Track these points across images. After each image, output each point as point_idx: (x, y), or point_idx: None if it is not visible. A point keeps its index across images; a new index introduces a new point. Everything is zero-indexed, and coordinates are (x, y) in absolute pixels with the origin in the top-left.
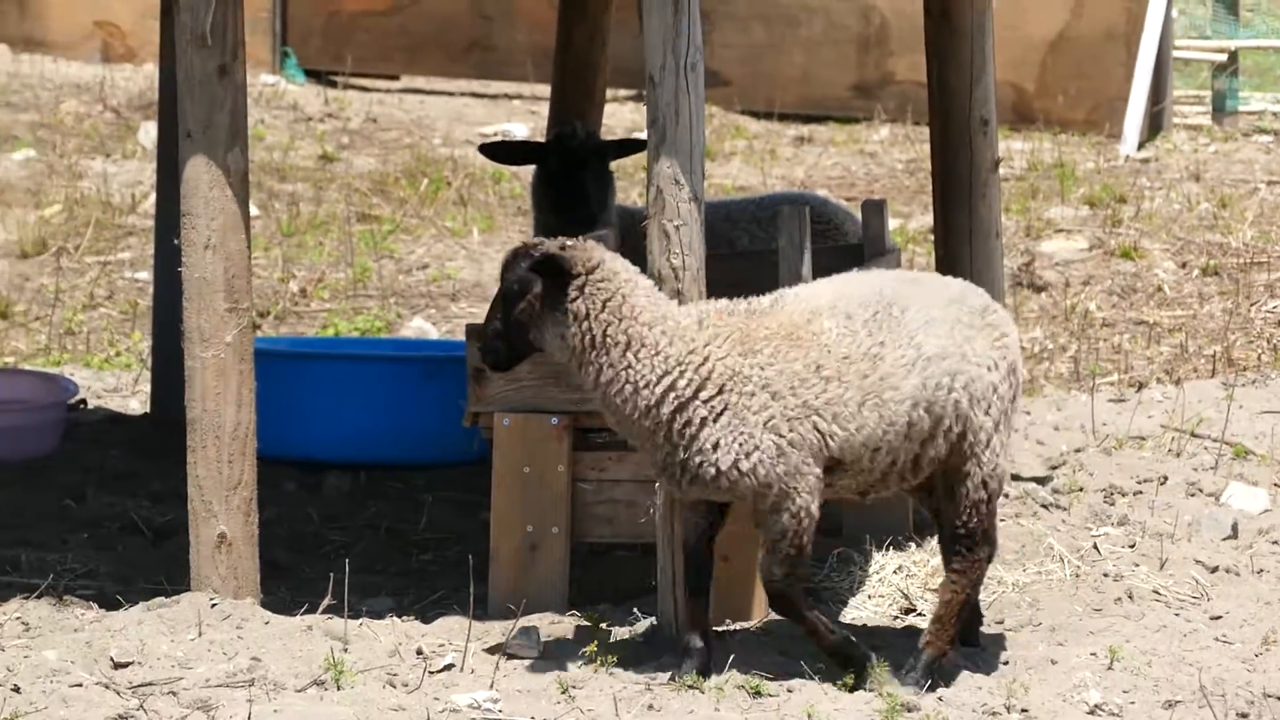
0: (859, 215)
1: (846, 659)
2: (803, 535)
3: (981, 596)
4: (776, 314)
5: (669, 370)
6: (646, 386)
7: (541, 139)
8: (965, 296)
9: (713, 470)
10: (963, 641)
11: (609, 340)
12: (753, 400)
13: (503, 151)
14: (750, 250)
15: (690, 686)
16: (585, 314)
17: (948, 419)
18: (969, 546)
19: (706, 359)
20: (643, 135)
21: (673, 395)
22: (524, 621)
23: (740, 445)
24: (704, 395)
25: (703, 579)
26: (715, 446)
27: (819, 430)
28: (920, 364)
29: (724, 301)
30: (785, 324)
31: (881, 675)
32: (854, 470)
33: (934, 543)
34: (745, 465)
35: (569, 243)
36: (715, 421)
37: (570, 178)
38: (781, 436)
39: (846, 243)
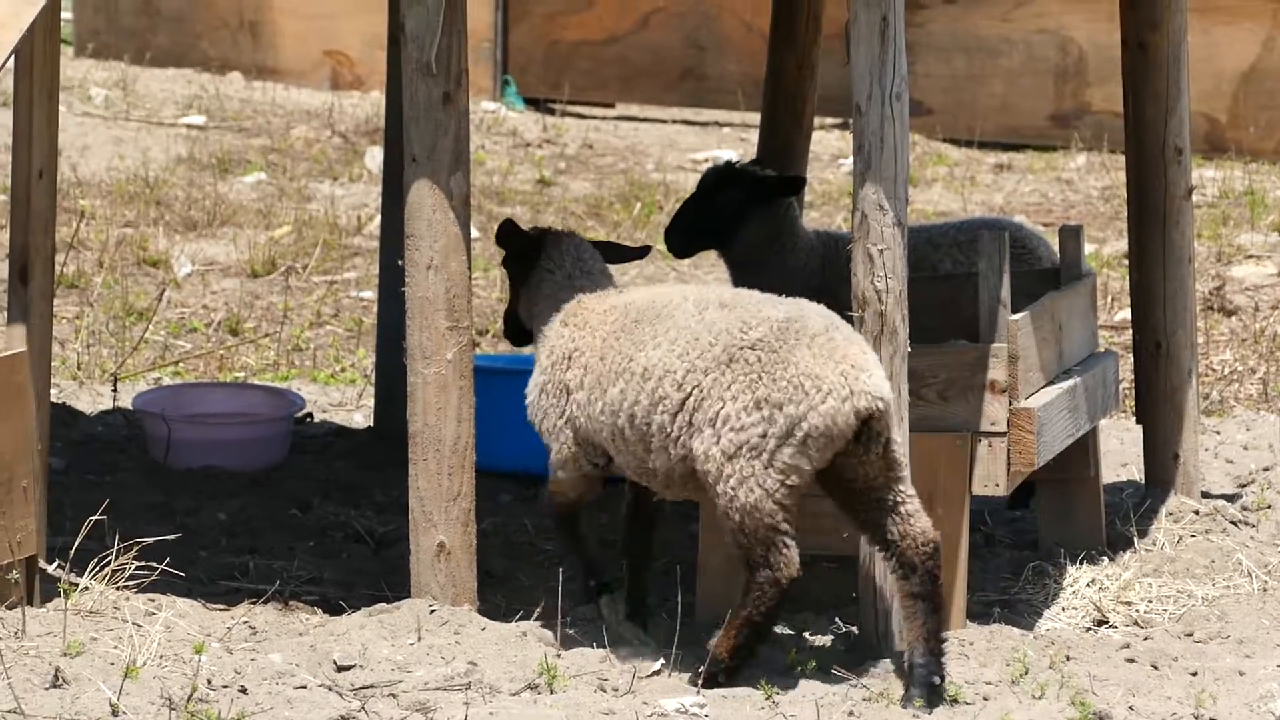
0: (1055, 240)
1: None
2: (561, 482)
3: (1169, 609)
4: (599, 300)
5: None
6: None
7: (753, 164)
8: (748, 327)
9: None
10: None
11: (528, 309)
12: (540, 362)
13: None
14: (952, 274)
15: (880, 694)
16: (526, 287)
17: (657, 437)
18: (749, 568)
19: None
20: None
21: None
22: None
23: (530, 397)
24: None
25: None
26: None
27: (572, 404)
28: (625, 376)
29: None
30: (583, 311)
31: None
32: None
33: (1126, 557)
34: (529, 413)
35: (538, 230)
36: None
37: (693, 208)
38: (542, 395)
39: (1041, 267)
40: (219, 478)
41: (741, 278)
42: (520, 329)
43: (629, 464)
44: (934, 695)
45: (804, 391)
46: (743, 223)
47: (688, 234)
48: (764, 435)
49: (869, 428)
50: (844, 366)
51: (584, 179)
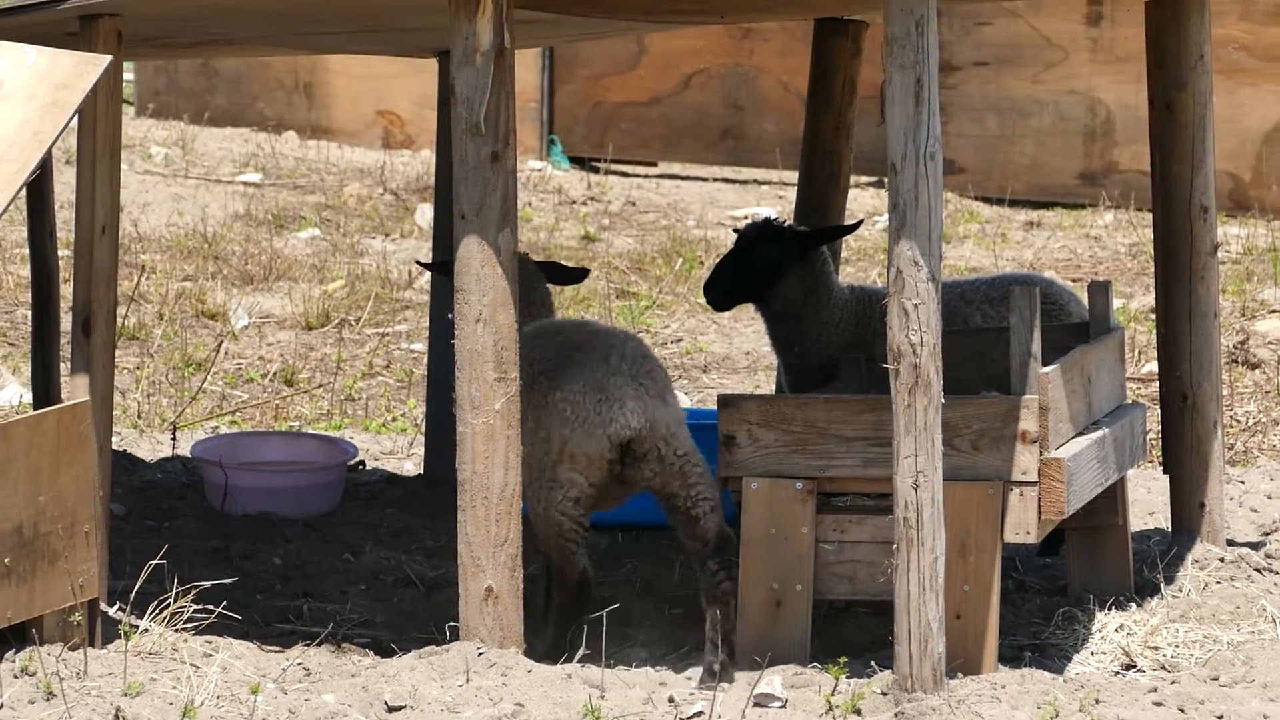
0: (1083, 296)
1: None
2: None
3: (1196, 654)
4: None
5: None
6: None
7: (788, 221)
8: (546, 355)
9: None
10: None
11: None
12: None
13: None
14: (984, 328)
15: None
16: None
17: None
18: (554, 569)
19: None
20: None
21: None
22: (769, 672)
23: None
24: None
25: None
26: None
27: None
28: None
29: None
30: None
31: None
32: None
33: (1153, 603)
34: None
35: None
36: None
37: (731, 264)
38: None
39: (1070, 321)
40: (274, 523)
41: (777, 331)
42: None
43: None
44: (718, 675)
45: (565, 417)
46: (779, 278)
47: (725, 289)
48: (545, 454)
49: (631, 450)
50: (599, 397)
51: (627, 235)
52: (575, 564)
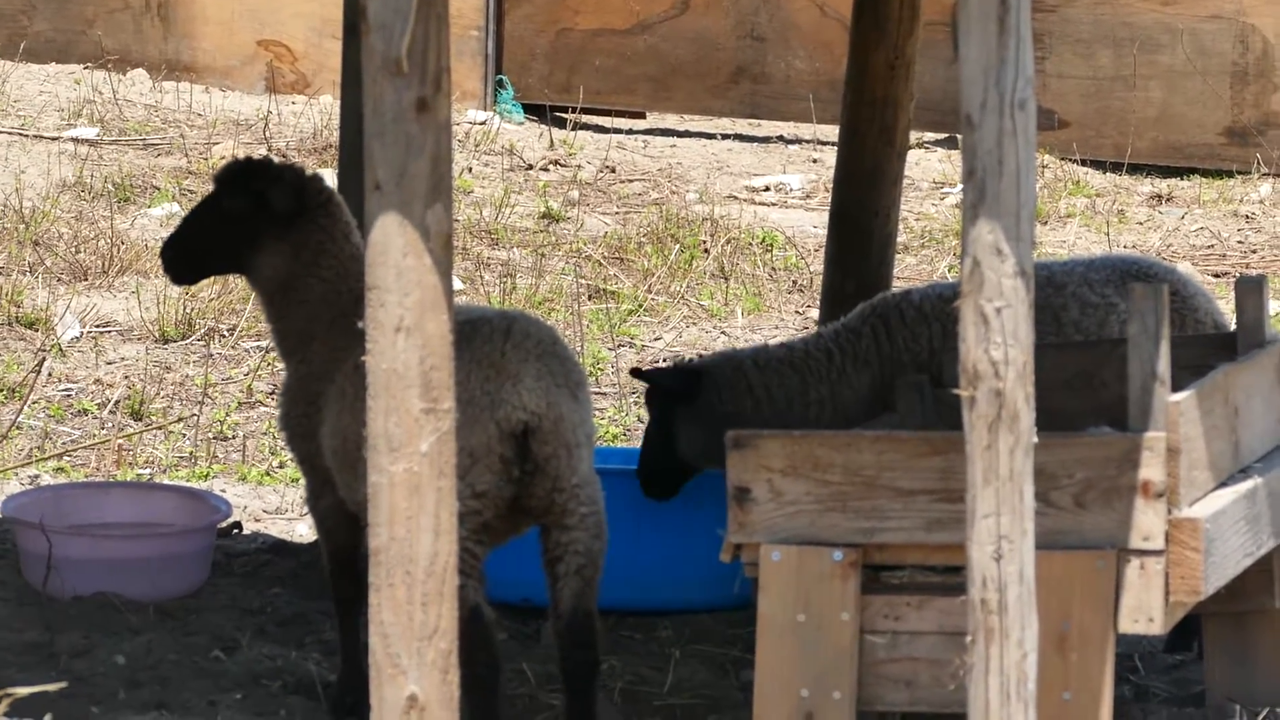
0: (1229, 295)
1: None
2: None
3: None
4: None
5: None
6: None
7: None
8: None
9: None
10: None
11: (269, 277)
12: None
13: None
14: (1089, 341)
15: None
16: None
17: None
18: None
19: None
20: None
21: None
22: None
23: None
24: None
25: None
26: None
27: None
28: None
29: None
30: None
31: None
32: None
33: None
34: None
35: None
36: None
37: None
38: None
39: (1199, 327)
40: (117, 608)
41: None
42: (196, 265)
43: None
44: None
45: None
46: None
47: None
48: None
49: (528, 448)
50: (489, 372)
51: (604, 212)
52: (465, 600)
